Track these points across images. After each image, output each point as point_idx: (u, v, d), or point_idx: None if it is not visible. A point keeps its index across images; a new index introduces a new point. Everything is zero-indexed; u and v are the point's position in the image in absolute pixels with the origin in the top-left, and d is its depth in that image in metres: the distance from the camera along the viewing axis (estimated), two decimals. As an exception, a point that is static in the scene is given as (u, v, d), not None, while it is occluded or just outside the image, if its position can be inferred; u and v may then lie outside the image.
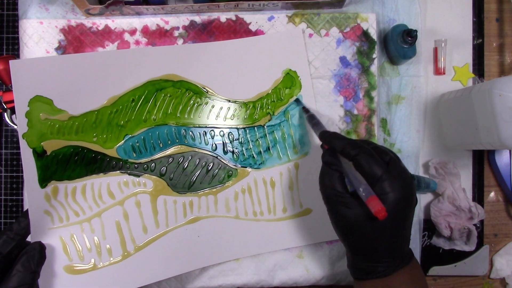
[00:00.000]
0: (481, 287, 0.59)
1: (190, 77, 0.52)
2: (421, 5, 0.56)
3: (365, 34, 0.54)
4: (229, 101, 0.52)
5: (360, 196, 0.36)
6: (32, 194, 0.48)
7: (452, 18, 0.58)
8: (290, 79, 0.53)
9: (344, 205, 0.38)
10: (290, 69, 0.53)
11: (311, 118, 0.49)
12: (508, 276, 0.58)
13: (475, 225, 0.55)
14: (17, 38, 0.53)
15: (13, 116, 0.53)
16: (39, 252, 0.44)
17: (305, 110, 0.51)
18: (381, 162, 0.38)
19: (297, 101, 0.53)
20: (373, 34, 0.54)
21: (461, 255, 0.57)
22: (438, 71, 0.57)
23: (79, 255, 0.49)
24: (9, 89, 0.51)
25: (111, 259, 0.49)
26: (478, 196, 0.58)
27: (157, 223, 0.50)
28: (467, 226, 0.54)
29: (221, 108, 0.52)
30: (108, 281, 0.49)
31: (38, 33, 0.51)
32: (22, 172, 0.52)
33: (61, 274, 0.48)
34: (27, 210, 0.47)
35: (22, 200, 0.54)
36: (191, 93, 0.52)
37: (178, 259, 0.50)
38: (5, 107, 0.51)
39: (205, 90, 0.52)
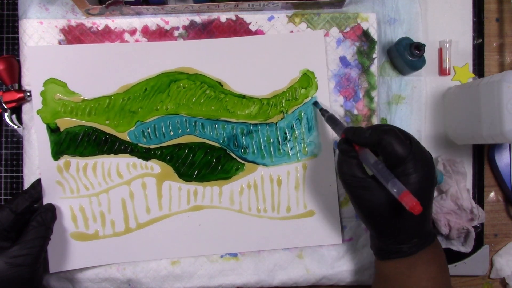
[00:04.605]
0: (481, 287, 0.59)
1: (206, 71, 0.53)
2: (422, 5, 0.56)
3: (365, 34, 0.54)
4: (244, 96, 0.53)
5: (391, 191, 0.36)
6: (45, 165, 0.51)
7: (452, 18, 0.58)
8: (307, 80, 0.53)
9: (366, 189, 0.39)
10: (308, 70, 0.53)
11: (331, 119, 0.48)
12: (508, 276, 0.58)
13: (474, 227, 0.55)
14: (17, 38, 0.53)
15: (13, 116, 0.53)
16: (51, 211, 0.49)
17: (323, 111, 0.50)
18: (405, 143, 0.39)
19: (315, 103, 0.53)
20: (373, 34, 0.54)
21: (461, 255, 0.57)
22: (443, 72, 0.57)
23: (85, 224, 0.51)
24: (9, 89, 0.52)
25: (113, 231, 0.51)
26: (478, 196, 0.58)
27: (160, 206, 0.52)
28: (466, 226, 0.54)
29: (235, 102, 0.53)
30: (108, 251, 0.51)
31: (38, 33, 0.51)
32: (22, 172, 0.52)
33: (68, 240, 0.51)
34: (39, 179, 0.50)
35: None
36: (205, 86, 0.52)
37: (177, 243, 0.52)
38: (5, 107, 0.51)
39: (220, 84, 0.52)
